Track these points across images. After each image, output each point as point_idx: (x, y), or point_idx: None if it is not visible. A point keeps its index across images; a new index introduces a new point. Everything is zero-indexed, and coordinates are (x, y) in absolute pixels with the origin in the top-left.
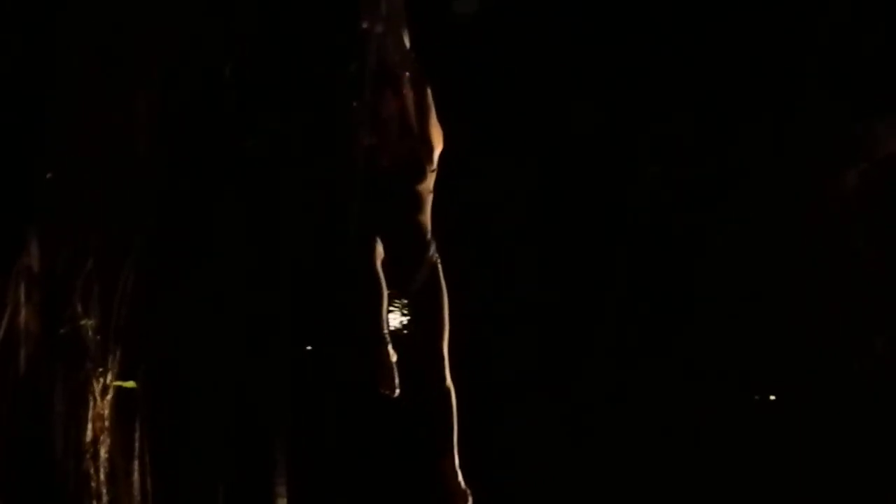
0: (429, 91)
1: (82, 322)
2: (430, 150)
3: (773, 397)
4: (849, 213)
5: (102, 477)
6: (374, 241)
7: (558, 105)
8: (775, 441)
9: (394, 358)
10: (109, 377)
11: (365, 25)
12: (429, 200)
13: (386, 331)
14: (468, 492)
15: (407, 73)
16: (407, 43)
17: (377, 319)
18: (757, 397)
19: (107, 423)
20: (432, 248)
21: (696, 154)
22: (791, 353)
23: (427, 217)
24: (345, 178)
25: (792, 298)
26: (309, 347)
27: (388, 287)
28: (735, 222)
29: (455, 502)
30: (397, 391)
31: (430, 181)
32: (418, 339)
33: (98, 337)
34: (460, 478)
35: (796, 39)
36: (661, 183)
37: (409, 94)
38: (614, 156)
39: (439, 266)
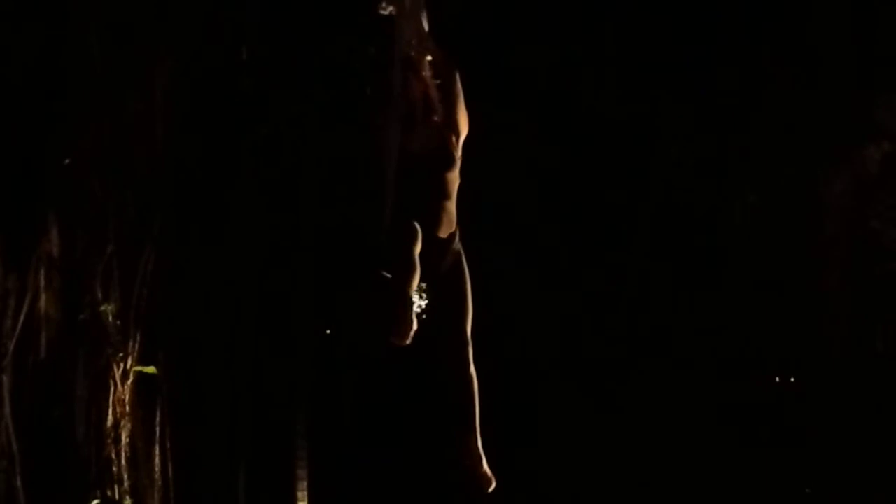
0: (457, 76)
1: (102, 307)
2: (458, 136)
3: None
4: (870, 191)
5: (124, 462)
6: (412, 227)
7: (581, 84)
8: (799, 426)
9: (415, 324)
10: (130, 362)
11: (385, 12)
12: (455, 187)
13: (413, 295)
14: (492, 476)
15: (429, 58)
16: (426, 26)
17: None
18: (777, 379)
19: (128, 408)
20: (457, 237)
21: (717, 132)
22: (811, 334)
23: (454, 204)
24: (373, 165)
25: (811, 279)
26: (328, 332)
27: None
28: (755, 202)
29: (479, 486)
30: (408, 341)
31: (457, 167)
32: (442, 325)
33: (118, 322)
34: (484, 462)
35: (818, 17)
36: (685, 161)
37: (431, 78)
38: (638, 135)
39: (462, 253)
